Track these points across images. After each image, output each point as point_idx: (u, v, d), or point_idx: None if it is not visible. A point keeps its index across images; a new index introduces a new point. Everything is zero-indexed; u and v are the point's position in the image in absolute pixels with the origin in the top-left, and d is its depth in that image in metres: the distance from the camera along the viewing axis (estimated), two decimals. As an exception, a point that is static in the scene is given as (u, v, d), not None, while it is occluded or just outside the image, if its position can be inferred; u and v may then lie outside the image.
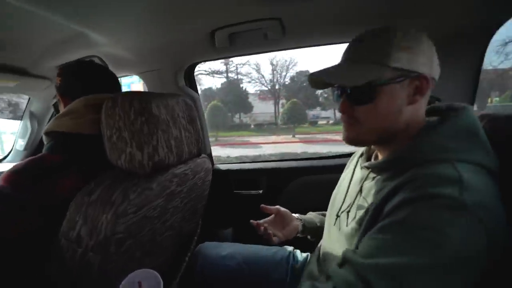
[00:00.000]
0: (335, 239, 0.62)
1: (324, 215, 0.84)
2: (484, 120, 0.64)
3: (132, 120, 0.62)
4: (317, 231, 0.84)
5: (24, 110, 1.52)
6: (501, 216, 0.43)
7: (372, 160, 0.64)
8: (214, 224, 1.36)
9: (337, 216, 0.64)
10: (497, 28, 0.90)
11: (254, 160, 2.20)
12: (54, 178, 0.61)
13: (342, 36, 1.07)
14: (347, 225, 0.58)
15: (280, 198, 1.34)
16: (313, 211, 0.93)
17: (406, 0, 0.81)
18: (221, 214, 1.40)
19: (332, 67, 0.55)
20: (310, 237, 0.88)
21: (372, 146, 0.66)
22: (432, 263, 0.38)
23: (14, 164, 0.63)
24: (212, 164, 1.44)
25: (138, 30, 0.92)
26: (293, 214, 0.87)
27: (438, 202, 0.40)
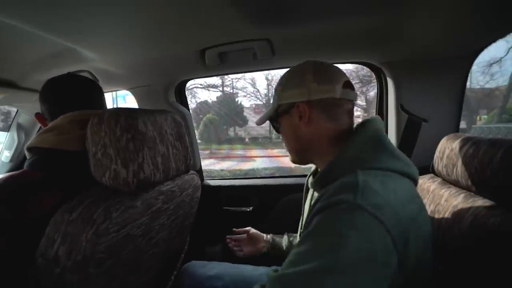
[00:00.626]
0: None
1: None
2: (467, 144, 0.66)
3: (118, 137, 0.61)
4: (283, 255, 0.91)
5: (11, 122, 1.50)
6: (410, 216, 0.46)
7: None
8: (202, 240, 1.33)
9: (300, 235, 0.71)
10: (479, 52, 0.94)
11: (247, 173, 2.18)
12: (34, 195, 0.59)
13: (329, 57, 1.10)
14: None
15: (270, 215, 1.33)
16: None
17: (390, 27, 0.85)
18: (210, 231, 1.37)
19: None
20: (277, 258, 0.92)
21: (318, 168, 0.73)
22: (335, 264, 0.40)
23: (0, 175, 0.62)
24: (202, 179, 1.43)
25: (129, 46, 0.93)
26: (267, 236, 1.00)
27: (336, 208, 0.45)
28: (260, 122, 0.73)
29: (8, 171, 1.52)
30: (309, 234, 0.46)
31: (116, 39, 0.87)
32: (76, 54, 0.93)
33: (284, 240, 0.95)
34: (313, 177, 0.72)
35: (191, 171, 0.91)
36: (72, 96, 0.76)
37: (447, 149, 0.73)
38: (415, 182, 0.55)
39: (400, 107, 1.06)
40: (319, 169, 0.70)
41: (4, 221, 0.56)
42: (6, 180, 0.60)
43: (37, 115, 0.77)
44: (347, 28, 0.87)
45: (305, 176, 1.45)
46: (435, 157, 0.79)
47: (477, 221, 0.57)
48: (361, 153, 0.54)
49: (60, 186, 0.63)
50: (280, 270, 0.45)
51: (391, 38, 0.91)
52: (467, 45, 0.91)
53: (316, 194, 0.65)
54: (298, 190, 1.30)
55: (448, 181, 0.75)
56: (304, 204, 0.78)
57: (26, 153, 0.70)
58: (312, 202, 0.62)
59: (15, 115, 1.47)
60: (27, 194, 0.59)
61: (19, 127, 1.47)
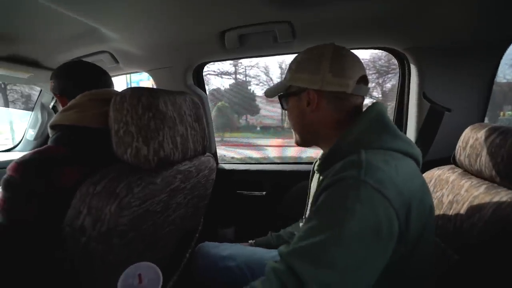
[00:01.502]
0: None
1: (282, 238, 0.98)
2: (494, 134, 0.63)
3: (139, 115, 0.63)
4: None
5: (36, 102, 1.56)
6: (411, 190, 0.48)
7: None
8: (216, 222, 1.36)
9: (303, 219, 0.73)
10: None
11: (258, 162, 2.20)
12: (58, 169, 0.62)
13: (351, 42, 1.07)
14: None
15: (282, 201, 1.34)
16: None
17: (417, 9, 0.81)
18: (223, 213, 1.40)
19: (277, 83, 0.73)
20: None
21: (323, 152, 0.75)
22: (343, 235, 0.43)
23: (23, 153, 0.65)
24: (217, 163, 1.45)
25: (150, 27, 0.94)
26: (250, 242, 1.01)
27: (341, 184, 0.47)
28: (270, 94, 0.72)
29: (32, 149, 1.59)
30: (317, 210, 0.48)
31: (138, 19, 0.87)
32: (98, 34, 0.95)
33: (269, 238, 1.00)
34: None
35: (207, 153, 0.93)
36: (90, 76, 0.79)
37: (471, 139, 0.70)
38: (418, 163, 0.57)
39: (422, 95, 1.03)
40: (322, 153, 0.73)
41: (32, 191, 0.60)
42: (32, 154, 0.63)
43: (56, 94, 0.80)
44: (371, 11, 0.84)
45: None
46: (457, 147, 0.77)
47: (499, 212, 0.56)
48: (364, 134, 0.56)
49: (82, 161, 0.66)
50: (291, 245, 0.48)
51: (418, 21, 0.87)
52: (502, 30, 0.86)
53: (321, 177, 0.65)
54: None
55: (470, 172, 0.73)
56: (310, 189, 0.79)
57: (49, 131, 0.74)
58: (318, 183, 0.63)
59: (39, 95, 1.53)
60: (52, 167, 0.62)
61: (43, 107, 1.52)
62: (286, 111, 0.71)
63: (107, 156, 0.67)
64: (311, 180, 0.81)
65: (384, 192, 0.45)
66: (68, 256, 0.60)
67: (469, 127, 0.74)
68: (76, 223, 0.60)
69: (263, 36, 0.98)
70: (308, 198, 0.76)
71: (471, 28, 0.86)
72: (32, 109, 1.60)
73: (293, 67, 0.64)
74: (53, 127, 0.72)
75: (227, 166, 1.45)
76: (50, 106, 0.83)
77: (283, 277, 0.44)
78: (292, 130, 0.70)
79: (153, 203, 0.66)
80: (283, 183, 1.35)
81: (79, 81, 0.77)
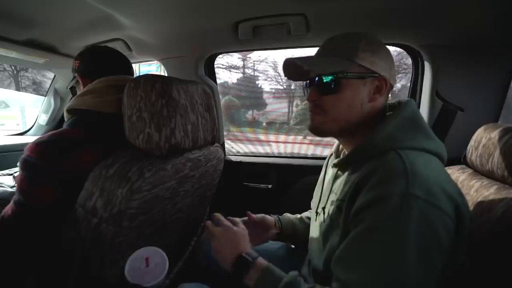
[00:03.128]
0: (316, 235, 0.67)
1: (302, 220, 0.89)
2: (508, 134, 0.62)
3: (152, 102, 0.64)
4: (293, 237, 0.85)
5: (49, 87, 1.59)
6: (456, 191, 0.48)
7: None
8: (221, 213, 1.37)
9: (317, 213, 0.69)
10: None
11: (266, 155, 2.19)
12: (74, 151, 0.64)
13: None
14: (324, 221, 0.63)
15: (288, 194, 1.35)
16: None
17: (436, 5, 0.79)
18: (229, 204, 1.42)
19: (307, 57, 0.63)
20: (285, 241, 0.88)
21: (340, 146, 0.71)
22: (405, 261, 0.42)
23: (36, 137, 0.67)
24: (224, 154, 1.46)
25: (164, 15, 0.94)
26: (272, 218, 0.84)
27: (389, 203, 0.44)
28: (319, 69, 0.57)
29: (44, 133, 1.62)
30: (367, 232, 0.46)
31: (153, 7, 0.88)
32: (113, 21, 0.96)
33: (293, 222, 0.88)
34: (335, 157, 0.71)
35: (216, 144, 0.94)
36: (115, 61, 0.81)
37: (484, 139, 0.70)
38: (443, 163, 0.56)
39: (435, 93, 1.01)
40: (341, 147, 0.70)
41: (48, 171, 0.62)
42: (49, 136, 0.65)
43: (79, 74, 0.81)
44: (387, 6, 0.83)
45: (325, 158, 1.44)
46: (468, 146, 0.76)
47: (509, 212, 0.55)
48: (397, 131, 0.53)
49: (97, 144, 0.67)
50: (338, 268, 0.48)
51: (434, 18, 0.85)
52: None
53: (341, 173, 0.63)
54: (318, 172, 1.30)
55: (481, 172, 0.72)
56: (324, 182, 0.72)
57: (65, 114, 0.76)
58: (343, 182, 0.59)
59: (52, 80, 1.55)
60: (67, 148, 0.63)
61: (56, 92, 1.55)
62: (321, 94, 0.58)
63: (120, 141, 0.68)
64: (325, 173, 0.75)
65: (437, 203, 0.43)
66: (79, 236, 0.62)
67: (482, 127, 0.73)
68: (88, 204, 0.61)
69: (276, 28, 0.98)
70: (322, 192, 0.71)
71: (488, 26, 0.84)
72: (44, 95, 1.64)
73: (363, 45, 0.55)
74: (69, 111, 0.74)
75: (234, 158, 1.46)
76: (68, 87, 0.85)
77: None
78: (326, 116, 0.59)
79: (162, 189, 0.67)
80: (289, 176, 1.35)
81: (103, 65, 0.79)
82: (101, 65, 0.79)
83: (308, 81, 0.63)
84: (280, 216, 0.88)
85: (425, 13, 0.84)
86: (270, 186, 1.38)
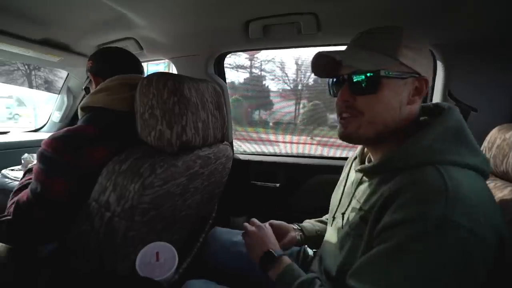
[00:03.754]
0: (331, 239, 0.65)
1: (322, 222, 0.86)
2: None
3: (164, 99, 0.65)
4: (316, 239, 0.80)
5: (62, 85, 1.63)
6: (501, 218, 0.43)
7: (366, 163, 0.63)
8: (229, 211, 1.39)
9: (334, 217, 0.67)
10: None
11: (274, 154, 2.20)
12: (88, 148, 0.66)
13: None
14: (342, 227, 0.60)
15: (296, 194, 1.35)
16: (327, 210, 0.92)
17: (449, 3, 0.78)
18: (237, 202, 1.42)
19: (342, 51, 0.55)
20: (310, 246, 0.84)
21: (365, 150, 0.66)
22: (427, 285, 0.39)
23: (49, 133, 0.69)
24: (233, 152, 1.47)
25: (176, 14, 0.96)
26: (290, 225, 0.82)
27: (425, 225, 0.40)
28: (360, 64, 0.50)
29: (57, 130, 1.66)
30: (393, 251, 0.42)
31: (165, 6, 0.89)
32: (126, 20, 0.98)
33: (314, 225, 0.85)
34: (360, 161, 0.67)
35: (225, 142, 0.95)
36: (126, 62, 0.84)
37: (498, 139, 0.68)
38: (486, 179, 0.49)
39: (448, 93, 1.00)
40: (365, 152, 0.66)
41: (62, 166, 0.64)
42: (65, 131, 0.67)
43: (92, 73, 0.84)
44: (399, 5, 0.82)
45: (333, 158, 1.44)
46: (482, 147, 0.74)
47: None
48: (439, 143, 0.47)
49: (110, 141, 0.69)
50: (360, 283, 0.44)
51: (447, 16, 0.84)
52: None
53: (366, 179, 0.58)
54: (326, 172, 1.29)
55: (494, 174, 0.71)
56: (345, 186, 0.68)
57: (80, 111, 0.78)
58: (360, 186, 0.58)
59: (66, 79, 1.59)
60: (81, 144, 0.65)
61: (69, 91, 1.59)
62: (355, 94, 0.52)
63: (132, 138, 0.70)
64: (347, 176, 0.70)
65: (479, 231, 0.39)
66: (93, 230, 0.64)
67: (496, 127, 0.72)
68: (101, 198, 0.63)
69: (287, 27, 0.98)
70: (342, 196, 0.67)
71: (501, 24, 0.83)
72: (56, 93, 1.68)
73: (405, 41, 0.50)
74: (83, 108, 0.76)
75: (242, 157, 1.47)
76: (83, 87, 0.88)
77: None
78: (362, 119, 0.52)
79: (173, 185, 0.68)
80: (297, 176, 1.35)
81: (114, 64, 0.82)
82: (112, 64, 0.82)
83: (335, 79, 0.57)
84: (299, 224, 0.84)
85: (437, 12, 0.83)
86: (277, 185, 1.38)
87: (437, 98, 1.06)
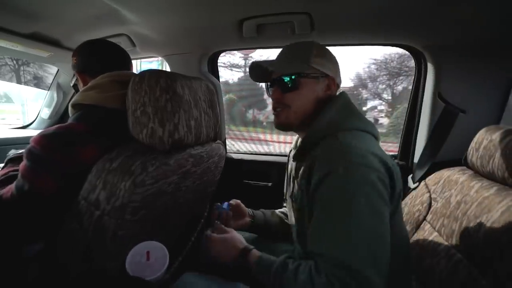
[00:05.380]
0: (290, 219, 0.79)
1: (276, 215, 0.99)
2: (510, 136, 0.63)
3: (157, 97, 0.64)
4: (263, 228, 0.95)
5: (52, 81, 1.59)
6: (386, 156, 0.58)
7: None
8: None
9: (287, 200, 0.82)
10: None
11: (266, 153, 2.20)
12: (78, 146, 0.64)
13: (370, 37, 1.06)
14: (292, 206, 0.74)
15: (288, 193, 1.35)
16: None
17: (440, 6, 0.79)
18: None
19: (270, 60, 0.75)
20: (256, 233, 0.96)
21: (299, 141, 0.79)
22: (360, 217, 0.51)
23: (38, 131, 0.67)
24: (225, 152, 1.47)
25: (170, 11, 0.95)
26: (247, 209, 0.97)
27: (337, 174, 0.54)
28: (282, 69, 0.70)
29: (47, 127, 1.63)
30: (326, 205, 0.55)
31: (159, 2, 0.88)
32: (118, 16, 0.96)
33: (264, 215, 0.98)
34: (295, 150, 0.77)
35: (218, 141, 0.94)
36: (111, 55, 0.81)
37: (485, 140, 0.70)
38: (377, 140, 0.68)
39: (437, 95, 1.02)
40: (299, 141, 0.78)
41: (52, 163, 0.62)
42: (55, 129, 0.65)
43: (77, 71, 0.82)
44: (392, 6, 0.83)
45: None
46: (470, 148, 0.76)
47: (508, 213, 0.56)
48: (334, 118, 0.65)
49: (101, 139, 0.68)
50: (313, 244, 0.56)
51: (438, 19, 0.86)
52: None
53: (300, 163, 0.70)
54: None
55: (481, 174, 0.73)
56: (287, 178, 0.84)
57: (70, 109, 0.76)
58: (302, 170, 0.67)
59: (55, 75, 1.56)
60: (72, 142, 0.64)
61: (58, 87, 1.55)
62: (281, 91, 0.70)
63: (124, 136, 0.69)
64: (289, 166, 0.84)
65: (372, 164, 0.54)
66: (81, 228, 0.63)
67: (484, 129, 0.74)
68: (91, 197, 0.62)
69: (281, 27, 0.98)
70: (290, 184, 0.79)
71: (492, 27, 0.85)
72: (46, 89, 1.64)
73: (315, 52, 0.69)
74: (74, 106, 0.74)
75: (235, 156, 1.47)
76: (71, 84, 0.86)
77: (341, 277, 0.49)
78: (288, 111, 0.70)
79: (165, 183, 0.68)
80: None
81: (100, 59, 0.79)
82: (98, 60, 0.79)
83: (270, 82, 0.74)
84: (253, 210, 0.99)
85: (429, 13, 0.84)
86: (270, 184, 1.39)
87: (427, 99, 1.09)
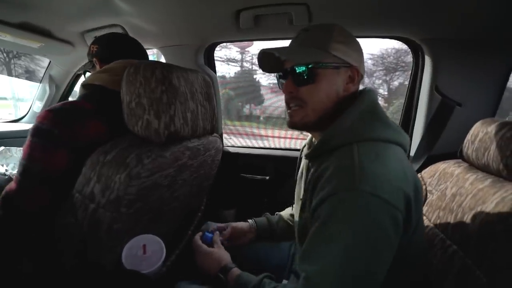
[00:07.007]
0: (296, 225, 0.71)
1: (283, 217, 0.92)
2: (505, 128, 0.63)
3: (152, 88, 0.63)
4: (269, 233, 0.89)
5: (44, 74, 1.56)
6: (409, 182, 0.49)
7: None
8: (218, 203, 1.38)
9: (299, 200, 0.71)
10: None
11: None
12: (85, 121, 0.65)
13: (368, 29, 1.05)
14: (299, 212, 0.66)
15: (285, 186, 1.35)
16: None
17: (439, 2, 0.79)
18: (226, 195, 1.42)
19: (282, 47, 0.61)
20: (263, 241, 0.90)
21: (313, 139, 0.71)
22: (355, 247, 0.45)
23: (30, 125, 0.66)
24: (222, 145, 1.46)
25: (164, 1, 0.93)
26: (247, 222, 0.90)
27: (338, 197, 0.47)
28: (297, 58, 0.58)
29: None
30: (321, 228, 0.48)
31: None
32: (112, 6, 0.94)
33: (269, 219, 0.92)
34: (308, 148, 0.73)
35: (215, 134, 0.93)
36: (127, 47, 0.85)
37: (481, 133, 0.70)
38: (405, 150, 0.58)
39: (434, 88, 1.02)
40: (313, 140, 0.71)
41: (59, 138, 0.62)
42: (61, 104, 0.66)
43: (97, 58, 0.84)
44: None
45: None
46: (465, 140, 0.77)
47: (502, 204, 0.56)
48: (356, 124, 0.55)
49: (106, 119, 0.68)
50: (303, 263, 0.49)
51: (437, 12, 0.85)
52: None
53: (311, 164, 0.64)
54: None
55: (477, 166, 0.73)
56: (298, 176, 0.76)
57: (80, 89, 0.77)
58: (309, 175, 0.60)
59: (47, 67, 1.52)
60: (78, 118, 0.65)
61: (51, 79, 1.52)
62: (298, 85, 0.59)
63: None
64: (299, 164, 0.78)
65: (383, 195, 0.45)
66: (76, 222, 0.62)
67: (479, 122, 0.74)
68: (85, 190, 0.61)
69: (279, 17, 0.97)
70: (301, 183, 0.73)
71: (490, 21, 0.84)
72: (39, 82, 1.60)
73: (336, 36, 0.57)
74: (84, 86, 0.75)
75: (232, 149, 1.46)
76: (83, 71, 0.87)
77: None
78: (305, 107, 0.59)
79: (161, 176, 0.67)
80: (286, 169, 1.36)
81: (120, 50, 0.83)
82: (118, 50, 0.83)
83: (281, 73, 0.63)
84: (257, 220, 0.91)
85: (428, 7, 0.83)
86: (267, 178, 1.39)
87: (424, 92, 1.09)
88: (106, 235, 0.62)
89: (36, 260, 0.65)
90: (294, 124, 0.62)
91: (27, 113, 1.67)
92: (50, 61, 1.49)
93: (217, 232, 0.82)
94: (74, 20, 1.07)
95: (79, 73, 1.48)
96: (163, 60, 1.35)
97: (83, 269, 0.64)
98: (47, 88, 1.53)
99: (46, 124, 0.62)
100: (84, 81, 0.76)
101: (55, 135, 0.61)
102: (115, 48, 0.83)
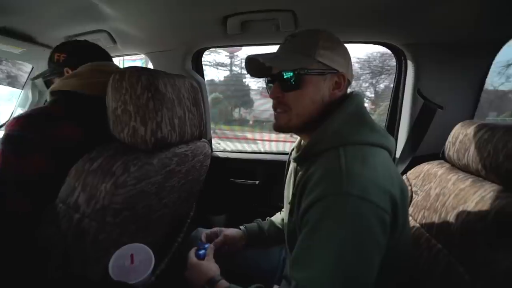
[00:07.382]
0: (285, 230, 0.71)
1: (274, 224, 0.92)
2: (483, 130, 0.66)
3: (138, 95, 0.62)
4: (260, 239, 0.89)
5: (26, 80, 1.51)
6: (394, 185, 0.50)
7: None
8: (207, 209, 1.37)
9: (287, 204, 0.71)
10: (507, 40, 0.92)
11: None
12: (56, 124, 0.64)
13: (352, 35, 1.07)
14: (287, 217, 0.67)
15: (276, 190, 1.36)
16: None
17: (419, 6, 0.82)
18: (216, 201, 1.41)
19: (269, 53, 0.62)
20: (254, 245, 0.90)
21: (302, 141, 0.72)
22: (346, 252, 0.45)
23: None
24: (211, 150, 1.45)
25: (151, 7, 0.92)
26: (239, 229, 0.90)
27: (326, 202, 0.47)
28: (282, 65, 0.59)
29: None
30: (310, 232, 0.49)
31: None
32: (97, 11, 0.92)
33: (259, 225, 0.93)
34: (296, 151, 0.73)
35: (203, 139, 0.93)
36: (96, 56, 0.83)
37: (461, 135, 0.73)
38: (390, 153, 0.59)
39: (417, 91, 1.05)
40: (302, 142, 0.72)
41: (30, 144, 0.60)
42: (33, 110, 0.65)
43: (70, 67, 0.82)
44: (375, 5, 0.85)
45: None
46: (447, 142, 0.79)
47: (484, 202, 0.59)
48: (342, 128, 0.56)
49: (78, 121, 0.67)
50: (293, 270, 0.49)
51: (418, 17, 0.88)
52: (499, 29, 0.88)
53: (299, 168, 0.65)
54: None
55: (458, 166, 0.76)
56: (287, 179, 0.77)
57: (49, 96, 0.75)
58: (297, 179, 0.61)
59: (30, 73, 1.48)
60: (49, 122, 0.63)
61: (33, 85, 1.48)
62: (283, 90, 0.60)
63: (102, 122, 0.68)
64: (288, 168, 0.79)
65: (371, 198, 0.46)
66: (60, 232, 0.60)
67: (459, 124, 0.77)
68: (70, 199, 0.59)
69: (265, 24, 0.98)
70: (289, 186, 0.74)
71: (469, 26, 0.88)
72: (21, 89, 1.55)
73: (321, 43, 0.57)
74: (52, 93, 0.73)
75: (221, 154, 1.46)
76: (44, 80, 0.85)
77: None
78: (290, 112, 0.60)
79: (148, 183, 0.66)
80: (277, 173, 1.36)
81: (89, 59, 0.80)
82: (85, 56, 0.80)
83: (269, 78, 0.65)
84: (248, 226, 0.91)
85: (408, 13, 0.86)
86: (257, 182, 1.39)
87: (407, 96, 1.12)
88: (92, 245, 0.60)
89: (18, 273, 0.63)
90: (279, 127, 0.63)
91: (7, 121, 1.61)
92: (32, 67, 1.45)
93: (212, 245, 0.80)
94: (57, 24, 1.04)
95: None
96: (150, 65, 1.34)
97: (68, 282, 0.62)
98: (30, 94, 1.48)
99: (16, 131, 0.60)
100: (51, 88, 0.74)
101: (27, 140, 0.60)
102: (83, 54, 0.82)
